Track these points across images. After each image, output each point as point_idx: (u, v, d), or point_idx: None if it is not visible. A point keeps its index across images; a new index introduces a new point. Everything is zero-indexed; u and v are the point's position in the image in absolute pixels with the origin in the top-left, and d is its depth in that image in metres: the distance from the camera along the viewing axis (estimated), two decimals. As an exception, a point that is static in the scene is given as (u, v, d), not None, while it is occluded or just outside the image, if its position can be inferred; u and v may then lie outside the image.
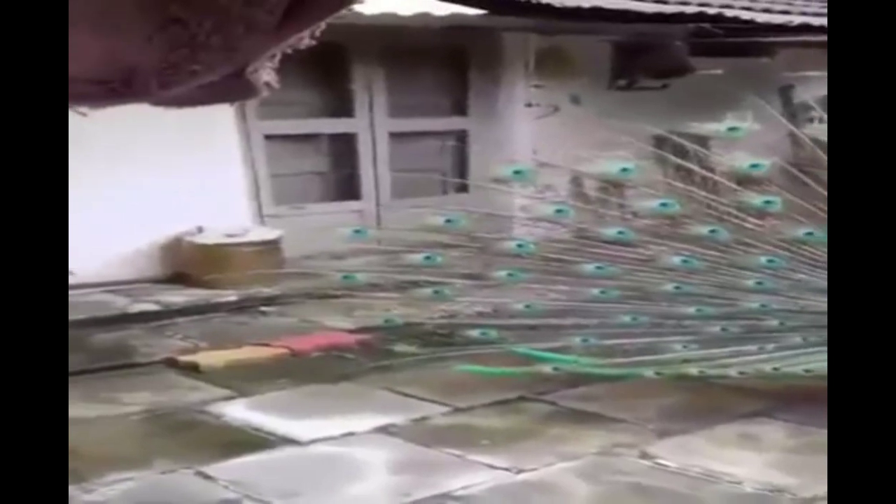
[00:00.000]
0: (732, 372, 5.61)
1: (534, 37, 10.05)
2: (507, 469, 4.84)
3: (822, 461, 4.80)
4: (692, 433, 5.31)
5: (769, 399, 5.69)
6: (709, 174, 6.01)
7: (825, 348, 5.49)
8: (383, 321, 6.39)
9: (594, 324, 5.94)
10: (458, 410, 5.68)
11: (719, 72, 9.58)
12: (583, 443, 5.18)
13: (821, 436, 5.25)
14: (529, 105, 10.29)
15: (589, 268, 5.93)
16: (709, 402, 5.67)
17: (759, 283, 5.74)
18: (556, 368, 5.77)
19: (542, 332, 6.02)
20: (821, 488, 4.54)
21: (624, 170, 5.84)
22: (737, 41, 9.43)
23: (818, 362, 5.42)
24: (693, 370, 5.62)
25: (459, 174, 10.19)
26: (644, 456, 5.02)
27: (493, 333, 5.99)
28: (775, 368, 5.51)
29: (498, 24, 9.44)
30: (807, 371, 5.45)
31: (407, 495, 4.55)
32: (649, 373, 5.67)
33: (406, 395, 5.88)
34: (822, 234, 5.52)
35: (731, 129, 5.68)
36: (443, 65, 10.52)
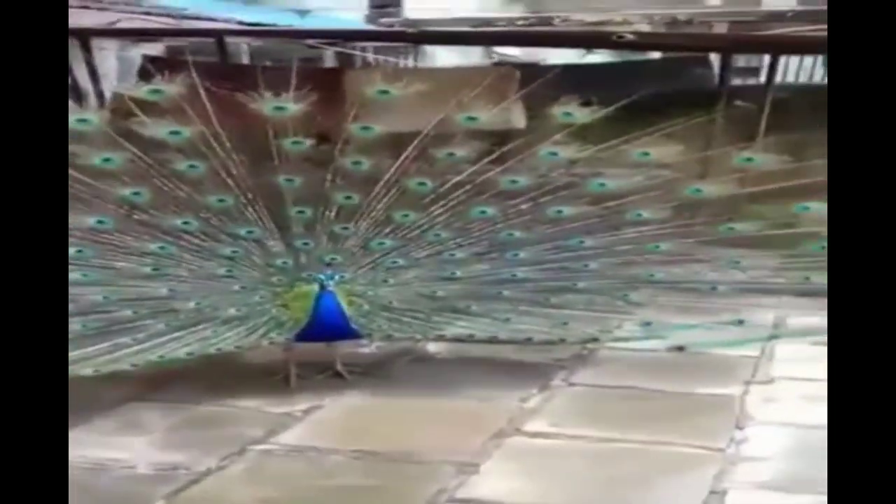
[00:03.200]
0: (126, 365, 5.63)
1: None
2: None
3: (203, 435, 5.19)
4: (73, 427, 5.30)
5: (139, 384, 5.88)
6: None
7: (189, 331, 5.82)
8: None
9: None
10: None
11: None
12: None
13: (195, 411, 5.61)
14: None
15: None
16: (80, 395, 5.67)
17: (157, 270, 5.90)
18: None
19: None
20: (211, 461, 4.87)
21: None
22: None
23: (193, 345, 5.75)
24: (88, 370, 5.52)
25: None
26: (29, 456, 4.94)
27: None
28: (161, 357, 5.68)
29: None
30: (189, 354, 5.74)
31: None
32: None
33: None
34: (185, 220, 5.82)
35: None
36: None
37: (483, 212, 6.09)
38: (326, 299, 5.86)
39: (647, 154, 6.00)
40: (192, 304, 5.90)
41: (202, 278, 5.95)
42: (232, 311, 5.92)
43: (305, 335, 5.95)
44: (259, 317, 5.95)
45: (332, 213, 6.00)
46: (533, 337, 6.27)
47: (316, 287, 5.89)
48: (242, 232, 5.94)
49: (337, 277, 5.93)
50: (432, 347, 6.75)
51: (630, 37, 9.60)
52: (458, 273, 6.20)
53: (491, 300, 6.29)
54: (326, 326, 5.92)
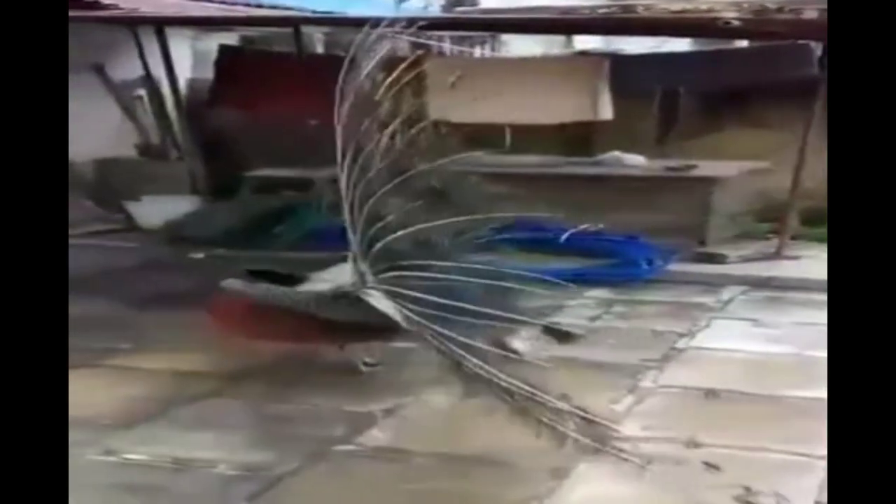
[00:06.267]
0: None
1: None
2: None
3: (284, 434, 5.04)
4: (151, 423, 5.21)
5: (218, 380, 5.78)
6: None
7: None
8: None
9: None
10: None
11: None
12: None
13: (277, 409, 5.47)
14: None
15: None
16: (158, 390, 5.63)
17: None
18: None
19: None
20: (294, 461, 4.72)
21: None
22: None
23: None
24: None
25: None
26: (109, 452, 4.82)
27: None
28: None
29: None
30: None
31: None
32: None
33: None
34: None
35: None
36: None
37: None
38: None
39: None
40: None
41: None
42: None
43: None
44: None
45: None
46: None
47: None
48: None
49: None
50: (517, 346, 6.56)
51: (736, 23, 9.30)
52: None
53: None
54: None
